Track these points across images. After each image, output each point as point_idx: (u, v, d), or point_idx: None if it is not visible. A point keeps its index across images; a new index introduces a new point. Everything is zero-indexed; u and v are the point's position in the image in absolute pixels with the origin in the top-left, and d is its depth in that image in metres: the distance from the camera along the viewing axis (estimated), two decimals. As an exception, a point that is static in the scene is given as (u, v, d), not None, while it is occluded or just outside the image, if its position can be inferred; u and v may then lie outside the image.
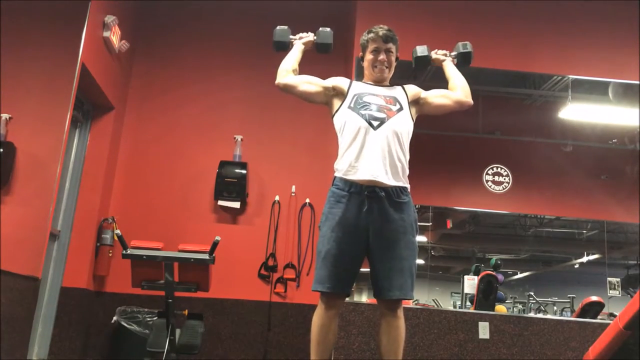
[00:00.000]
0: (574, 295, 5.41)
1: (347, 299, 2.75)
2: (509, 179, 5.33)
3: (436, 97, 2.64)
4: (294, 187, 4.89)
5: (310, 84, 2.59)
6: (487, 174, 5.33)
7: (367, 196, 2.36)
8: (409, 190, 2.47)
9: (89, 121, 4.58)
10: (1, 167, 3.12)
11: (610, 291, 5.27)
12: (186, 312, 3.61)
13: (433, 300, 5.54)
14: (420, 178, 4.81)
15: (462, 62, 2.80)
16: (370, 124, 2.43)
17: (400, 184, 2.41)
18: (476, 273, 5.05)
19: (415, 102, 2.60)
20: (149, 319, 4.06)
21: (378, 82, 2.61)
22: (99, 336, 4.40)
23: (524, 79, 5.48)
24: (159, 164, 4.90)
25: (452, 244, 6.88)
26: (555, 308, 5.64)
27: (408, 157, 2.49)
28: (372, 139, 2.40)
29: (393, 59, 2.62)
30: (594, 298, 4.52)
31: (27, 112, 3.37)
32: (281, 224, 4.82)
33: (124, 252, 3.17)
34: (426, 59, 2.80)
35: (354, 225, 2.35)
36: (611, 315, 4.64)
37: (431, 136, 5.05)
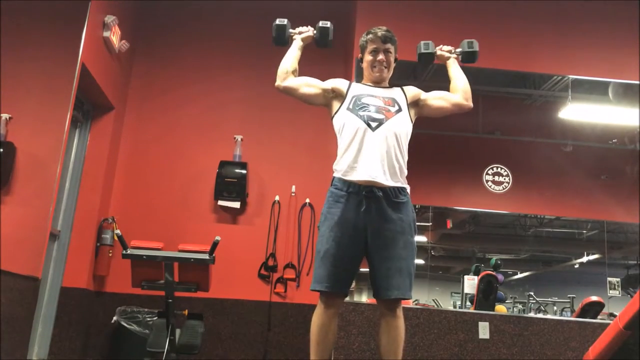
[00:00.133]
0: (574, 295, 5.42)
1: (346, 298, 2.75)
2: (509, 179, 5.33)
3: (435, 99, 2.63)
4: (294, 187, 4.89)
5: (309, 86, 2.58)
6: (487, 174, 5.33)
7: (365, 196, 2.37)
8: (407, 190, 2.47)
9: (89, 121, 4.58)
10: (1, 167, 3.12)
11: (610, 291, 5.27)
12: (186, 312, 3.61)
13: (433, 300, 5.54)
14: (420, 178, 4.82)
15: (467, 60, 2.75)
16: (369, 125, 2.43)
17: (398, 184, 2.42)
18: (476, 273, 5.06)
19: (415, 104, 2.60)
20: (149, 319, 4.06)
21: (377, 83, 2.61)
22: (99, 336, 4.40)
23: (524, 79, 5.48)
24: (159, 164, 4.90)
25: (452, 244, 6.88)
26: (555, 308, 5.64)
27: (406, 158, 2.49)
28: (371, 140, 2.41)
29: (392, 59, 2.62)
30: (594, 298, 4.52)
31: (27, 112, 3.37)
32: (281, 224, 4.82)
33: (124, 252, 3.17)
34: (430, 56, 2.75)
35: (352, 225, 2.36)
36: (611, 315, 4.64)
37: (431, 136, 5.06)
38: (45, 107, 3.62)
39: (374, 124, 2.44)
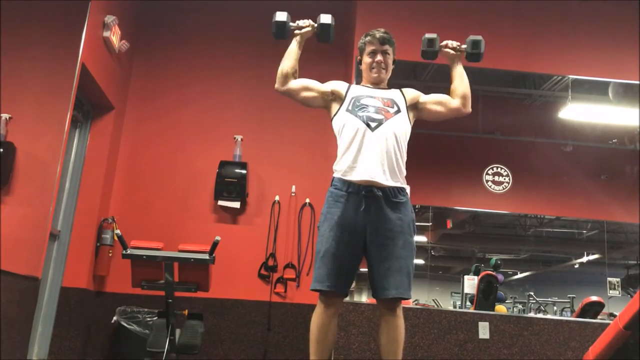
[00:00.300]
0: (574, 295, 5.42)
1: (346, 298, 2.75)
2: (509, 179, 5.33)
3: (434, 104, 2.61)
4: (294, 187, 4.89)
5: (308, 90, 2.59)
6: (487, 174, 5.33)
7: (364, 196, 2.37)
8: (407, 190, 2.48)
9: (89, 121, 4.58)
10: (1, 167, 3.12)
11: (610, 291, 5.27)
12: (186, 312, 3.61)
13: (433, 300, 5.55)
14: (420, 178, 4.83)
15: (471, 60, 2.64)
16: (368, 125, 2.44)
17: (397, 184, 2.43)
18: (476, 273, 5.06)
19: (414, 107, 2.60)
20: (149, 319, 4.06)
21: (376, 85, 2.62)
22: (99, 336, 4.40)
23: (524, 79, 5.48)
24: (159, 164, 4.90)
25: (452, 244, 6.89)
26: (555, 308, 5.65)
27: (405, 158, 2.50)
28: (370, 140, 2.42)
29: (390, 61, 2.63)
30: (594, 298, 4.53)
31: (27, 112, 3.37)
32: (281, 224, 4.82)
33: (124, 252, 3.17)
34: (434, 54, 2.65)
35: (352, 225, 2.37)
36: (611, 315, 4.64)
37: (431, 136, 5.06)
38: (45, 107, 3.62)
39: (373, 124, 2.45)
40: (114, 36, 4.32)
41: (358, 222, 2.36)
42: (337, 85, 2.61)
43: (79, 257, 4.30)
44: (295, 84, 2.56)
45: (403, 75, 4.98)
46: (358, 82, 2.70)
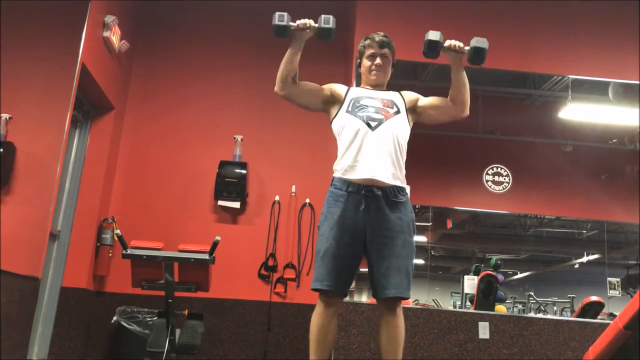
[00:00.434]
0: (574, 295, 5.42)
1: (346, 298, 2.75)
2: (509, 179, 5.33)
3: (432, 109, 2.61)
4: (294, 187, 4.89)
5: (308, 95, 2.59)
6: (487, 174, 5.33)
7: (364, 195, 2.38)
8: (406, 190, 2.49)
9: (89, 121, 4.58)
10: (1, 167, 3.12)
11: (610, 291, 5.27)
12: (186, 312, 3.61)
13: (433, 300, 5.55)
14: (420, 178, 4.83)
15: (473, 63, 2.52)
16: (369, 125, 2.45)
17: (397, 183, 2.43)
18: (476, 273, 5.06)
19: (413, 110, 2.60)
20: (149, 319, 4.05)
21: (375, 87, 2.63)
22: (99, 336, 4.40)
23: (524, 79, 5.48)
24: (159, 164, 4.90)
25: (452, 244, 6.89)
26: (555, 308, 5.65)
27: (405, 158, 2.50)
28: (371, 140, 2.42)
29: (389, 64, 2.64)
30: (594, 298, 4.53)
31: (27, 112, 3.37)
32: (281, 224, 4.82)
33: (124, 252, 3.17)
34: (437, 52, 2.53)
35: (352, 224, 2.37)
36: (611, 315, 4.64)
37: (431, 136, 5.06)
38: (45, 107, 3.62)
39: (373, 124, 2.45)
40: (114, 36, 4.32)
41: (358, 222, 2.37)
42: (336, 88, 2.62)
43: (79, 257, 4.30)
44: (294, 88, 2.55)
45: (403, 75, 4.98)
46: (358, 85, 2.71)
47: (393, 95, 2.60)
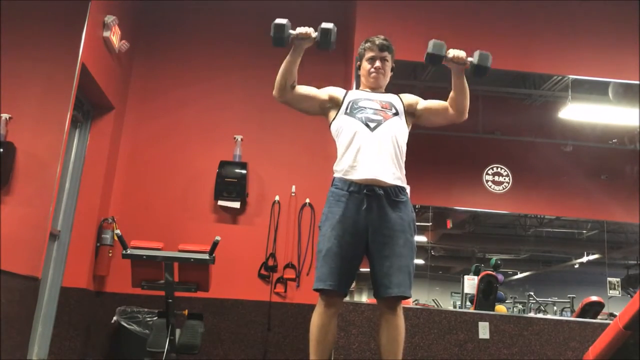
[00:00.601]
0: (574, 295, 5.42)
1: (346, 298, 2.75)
2: (509, 179, 5.33)
3: (431, 114, 2.61)
4: (294, 187, 4.89)
5: (307, 101, 2.59)
6: (487, 174, 5.33)
7: (366, 195, 2.38)
8: (407, 190, 2.50)
9: (89, 121, 4.58)
10: (1, 167, 3.12)
11: (610, 291, 5.27)
12: (186, 312, 3.61)
13: (433, 300, 5.54)
14: (420, 178, 4.83)
15: (476, 75, 2.48)
16: (367, 126, 2.46)
17: (398, 183, 2.44)
18: (476, 273, 5.06)
19: (412, 113, 2.61)
20: (149, 319, 4.05)
21: (374, 89, 2.64)
22: (99, 336, 4.40)
23: (524, 79, 5.48)
24: (159, 164, 4.90)
25: (452, 244, 6.88)
26: (555, 308, 5.65)
27: (404, 158, 2.51)
28: (370, 140, 2.43)
29: (388, 67, 2.65)
30: (594, 298, 4.53)
31: (27, 112, 3.37)
32: (281, 224, 4.82)
33: (124, 252, 3.17)
34: (438, 64, 2.49)
35: (353, 224, 2.37)
36: (611, 315, 4.64)
37: (431, 136, 5.06)
38: (45, 107, 3.62)
39: (372, 125, 2.47)
40: (114, 36, 4.32)
41: (360, 221, 2.37)
42: (334, 92, 2.62)
43: (79, 257, 4.30)
44: (293, 95, 2.54)
45: (403, 75, 4.98)
46: (357, 86, 2.71)
47: (392, 98, 2.61)
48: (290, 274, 4.72)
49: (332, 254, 2.36)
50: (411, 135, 2.59)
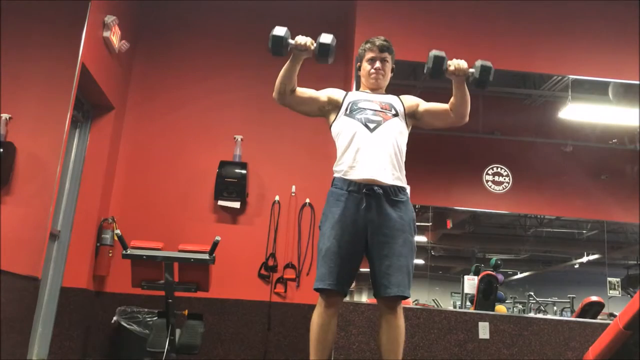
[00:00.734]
0: (574, 295, 5.42)
1: (346, 298, 2.76)
2: (509, 179, 5.33)
3: (431, 117, 2.61)
4: (294, 187, 4.89)
5: (306, 104, 2.60)
6: (487, 174, 5.33)
7: (365, 194, 2.38)
8: (407, 190, 2.50)
9: (89, 121, 4.58)
10: (1, 167, 3.12)
11: (610, 291, 5.27)
12: (186, 312, 3.61)
13: (433, 300, 5.55)
14: (420, 178, 4.83)
15: (477, 87, 2.46)
16: (367, 127, 2.47)
17: (398, 183, 2.44)
18: (476, 273, 5.06)
19: (412, 115, 2.61)
20: (149, 319, 4.05)
21: (374, 90, 2.65)
22: (99, 336, 4.40)
23: (524, 79, 5.48)
24: (159, 164, 4.90)
25: (452, 244, 6.89)
26: (555, 308, 5.65)
27: (404, 159, 2.51)
28: (369, 141, 2.44)
29: (388, 68, 2.66)
30: (594, 298, 4.53)
31: (27, 112, 3.37)
32: (281, 224, 4.82)
33: (124, 252, 3.17)
34: (440, 76, 2.46)
35: (352, 223, 2.38)
36: (611, 315, 4.64)
37: (431, 136, 5.05)
38: (45, 107, 3.61)
39: (372, 125, 2.47)
40: (114, 36, 4.32)
41: (359, 221, 2.38)
42: (333, 94, 2.63)
43: (79, 257, 4.30)
44: (293, 99, 2.55)
45: (403, 76, 4.98)
46: (357, 87, 2.71)
47: (391, 99, 2.62)
48: (290, 274, 4.72)
49: (331, 253, 2.36)
50: (411, 135, 2.59)
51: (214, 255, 3.20)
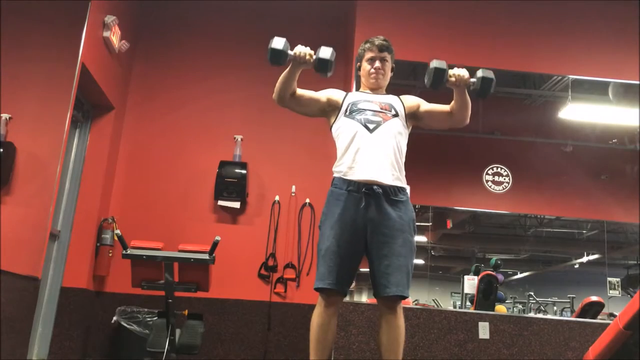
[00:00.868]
0: (574, 295, 5.43)
1: (346, 298, 2.76)
2: (509, 179, 5.33)
3: (431, 119, 2.62)
4: (294, 187, 4.89)
5: (306, 106, 2.61)
6: (487, 174, 5.33)
7: (365, 194, 2.39)
8: (407, 190, 2.50)
9: (89, 121, 4.58)
10: (1, 167, 3.12)
11: (610, 291, 5.28)
12: (186, 312, 3.61)
13: (433, 300, 5.55)
14: (420, 178, 4.83)
15: (477, 97, 2.46)
16: (367, 127, 2.47)
17: (397, 183, 2.44)
18: (476, 273, 5.06)
19: (412, 115, 2.61)
20: (149, 319, 4.05)
21: (374, 90, 2.65)
22: (99, 336, 4.40)
23: (524, 79, 5.48)
24: (159, 164, 4.90)
25: (452, 244, 6.89)
26: (555, 308, 5.66)
27: (404, 159, 2.52)
28: (369, 141, 2.44)
29: (388, 68, 2.66)
30: (594, 298, 4.53)
31: (27, 112, 3.37)
32: (281, 224, 4.82)
33: (124, 252, 3.17)
34: (440, 87, 2.45)
35: (352, 223, 2.38)
36: (611, 315, 4.64)
37: (431, 136, 5.06)
38: (45, 107, 3.61)
39: (371, 126, 2.47)
40: (114, 36, 4.32)
41: (358, 220, 2.38)
42: (333, 95, 2.63)
43: (79, 257, 4.30)
44: (292, 101, 2.57)
45: (403, 75, 4.98)
46: (357, 87, 2.72)
47: (392, 99, 2.62)
48: (290, 274, 4.72)
49: (331, 253, 2.36)
50: (411, 135, 2.59)
51: (213, 255, 3.20)
